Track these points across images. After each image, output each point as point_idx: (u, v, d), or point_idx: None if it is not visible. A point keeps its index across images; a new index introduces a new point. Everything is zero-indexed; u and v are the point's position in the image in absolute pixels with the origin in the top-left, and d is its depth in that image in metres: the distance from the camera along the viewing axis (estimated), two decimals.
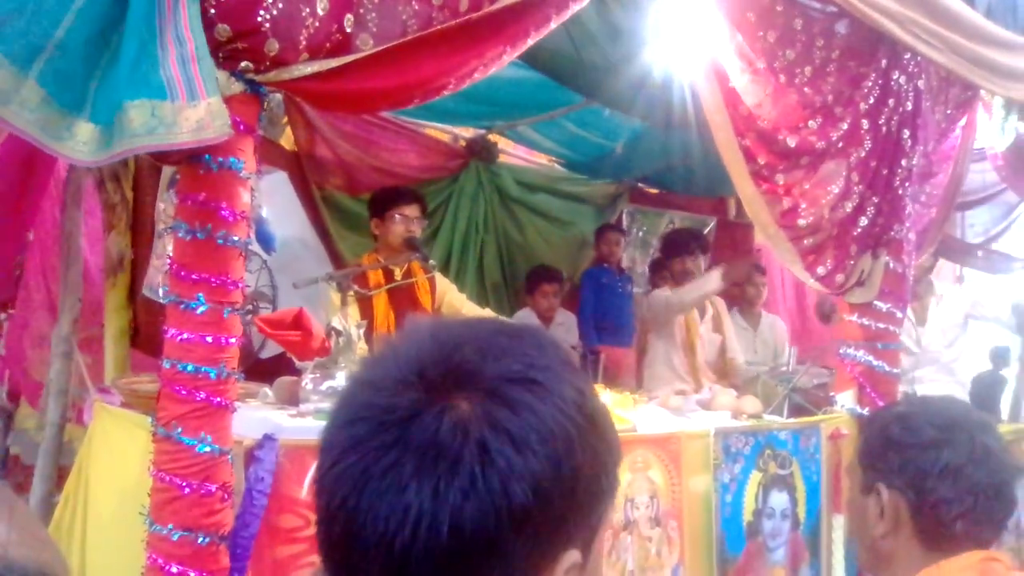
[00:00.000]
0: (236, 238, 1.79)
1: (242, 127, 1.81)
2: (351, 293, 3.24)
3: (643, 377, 4.59)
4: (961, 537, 1.36)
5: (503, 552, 0.64)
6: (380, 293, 3.63)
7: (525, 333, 0.73)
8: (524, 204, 5.33)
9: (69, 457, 3.20)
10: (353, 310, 3.37)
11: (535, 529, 0.65)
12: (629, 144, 4.94)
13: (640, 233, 5.86)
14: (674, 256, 4.51)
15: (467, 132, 5.14)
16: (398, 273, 3.74)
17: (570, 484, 0.66)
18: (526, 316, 4.76)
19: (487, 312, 3.95)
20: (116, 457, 2.40)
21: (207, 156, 1.76)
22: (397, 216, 3.70)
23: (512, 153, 5.37)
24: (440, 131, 5.08)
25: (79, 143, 1.58)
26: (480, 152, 5.05)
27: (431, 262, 3.67)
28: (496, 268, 5.23)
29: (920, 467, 1.39)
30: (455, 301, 3.90)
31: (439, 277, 3.88)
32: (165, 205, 4.12)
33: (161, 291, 3.98)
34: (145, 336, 3.86)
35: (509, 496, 0.63)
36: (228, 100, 1.78)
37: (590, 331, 4.96)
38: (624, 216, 5.75)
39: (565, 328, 4.84)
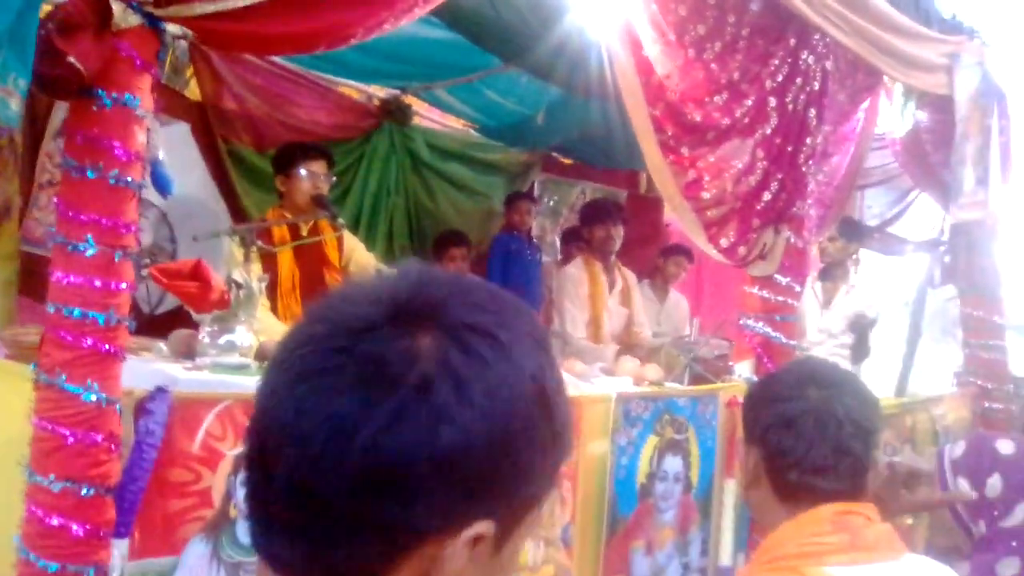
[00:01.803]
0: (129, 179, 1.71)
1: (139, 63, 1.73)
2: (254, 249, 3.17)
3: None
4: (801, 487, 1.42)
5: (409, 492, 0.62)
6: (285, 250, 3.55)
7: (509, 299, 0.72)
8: (436, 171, 5.30)
9: None
10: (256, 267, 3.30)
11: (447, 483, 0.63)
12: (547, 112, 4.94)
13: (551, 203, 5.89)
14: (596, 223, 4.51)
15: (381, 92, 5.06)
16: (304, 230, 3.66)
17: (501, 454, 0.64)
18: None
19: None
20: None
21: (100, 91, 1.68)
22: (303, 172, 3.62)
23: (427, 116, 5.31)
24: (354, 89, 4.98)
25: None
26: (394, 113, 4.99)
27: (339, 220, 3.61)
28: (404, 232, 5.20)
29: (766, 420, 1.47)
30: (363, 260, 3.85)
31: (347, 235, 3.81)
32: (51, 153, 3.94)
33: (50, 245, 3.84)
34: (35, 285, 3.71)
35: (434, 437, 0.62)
36: (124, 33, 1.70)
37: None
38: (536, 185, 5.77)
39: None
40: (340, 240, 3.77)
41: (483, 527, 0.65)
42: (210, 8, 1.80)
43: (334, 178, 3.80)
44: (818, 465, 1.41)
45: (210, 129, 4.35)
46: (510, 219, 5.23)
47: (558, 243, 5.80)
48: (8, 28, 1.57)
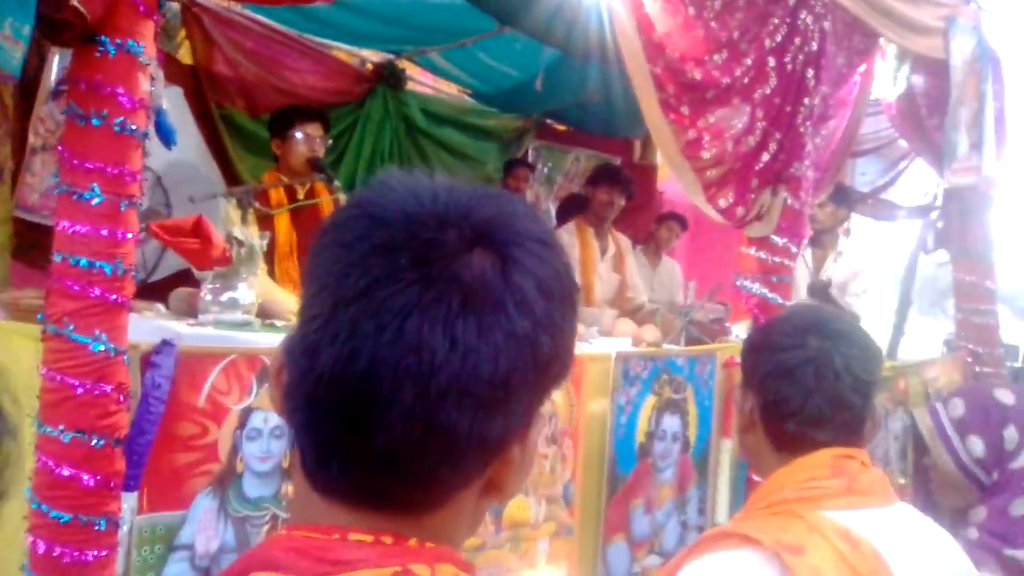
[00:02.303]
0: (134, 127, 1.69)
1: (142, 8, 1.71)
2: (251, 211, 3.15)
3: None
4: (797, 437, 1.42)
5: (514, 403, 0.67)
6: (282, 213, 3.53)
7: (528, 206, 0.76)
8: (430, 136, 5.27)
9: None
10: (253, 229, 3.28)
11: (539, 389, 0.69)
12: (545, 77, 4.91)
13: (545, 169, 5.86)
14: (602, 185, 4.47)
15: (375, 56, 5.02)
16: (300, 192, 3.64)
17: (565, 351, 0.69)
18: None
19: None
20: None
21: (104, 37, 1.66)
22: (299, 135, 3.60)
23: (420, 81, 5.27)
24: (347, 53, 4.94)
25: None
26: (387, 77, 4.95)
27: (335, 183, 3.59)
28: None
29: (765, 368, 1.47)
30: None
31: (343, 198, 3.79)
32: (44, 117, 3.89)
33: (43, 215, 3.81)
34: (28, 249, 3.68)
35: (537, 344, 0.66)
36: None
37: None
38: (530, 152, 5.75)
39: None
40: (336, 203, 3.74)
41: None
42: None
43: (330, 141, 3.78)
44: (815, 416, 1.40)
45: (203, 94, 4.31)
46: (507, 186, 5.22)
47: (552, 210, 5.78)
48: None
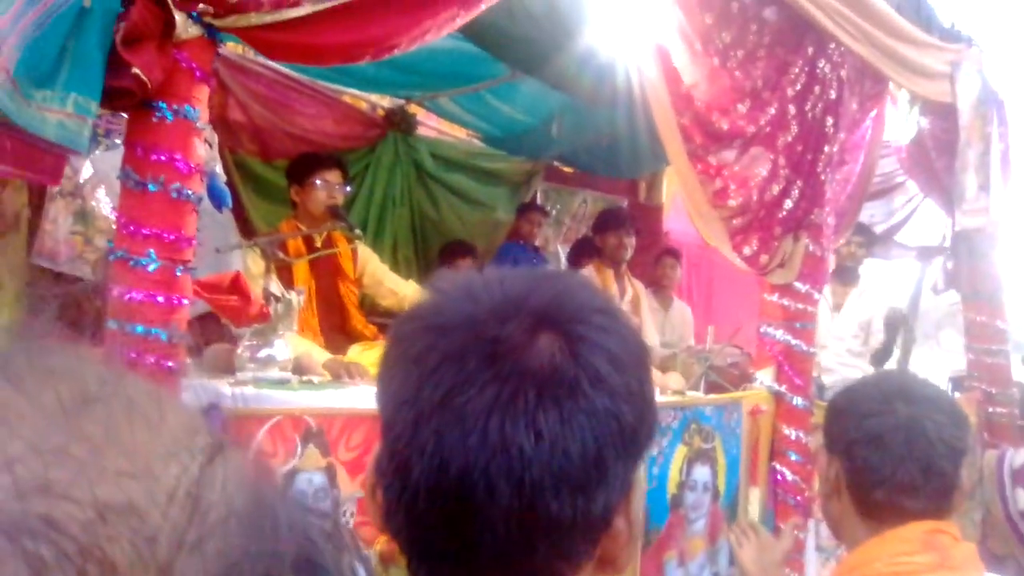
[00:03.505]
0: (190, 192, 1.68)
1: (198, 74, 1.71)
2: (272, 261, 3.13)
3: None
4: (886, 506, 1.39)
5: (608, 478, 0.66)
6: (301, 262, 3.51)
7: (582, 278, 0.77)
8: (440, 181, 5.27)
9: None
10: (274, 279, 3.26)
11: (628, 457, 0.68)
12: (549, 121, 4.93)
13: (554, 211, 5.87)
14: (609, 231, 4.51)
15: (385, 102, 5.03)
16: (318, 241, 3.62)
17: (651, 404, 0.70)
18: None
19: (410, 284, 3.87)
20: None
21: (161, 103, 1.65)
22: (318, 182, 3.58)
23: (429, 124, 5.29)
24: (358, 99, 4.95)
25: None
26: (398, 123, 4.96)
27: (356, 231, 3.57)
28: (409, 242, 5.16)
29: (852, 434, 1.44)
30: (377, 272, 3.82)
31: (360, 246, 3.78)
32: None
33: (64, 262, 3.78)
34: (44, 299, 3.65)
35: (620, 416, 0.66)
36: (184, 44, 1.68)
37: None
38: (538, 194, 5.76)
39: None
40: (354, 251, 3.74)
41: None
42: (267, 19, 1.78)
43: (348, 189, 3.77)
44: (906, 484, 1.37)
45: (217, 140, 4.29)
46: (519, 229, 5.22)
47: (561, 253, 5.78)
48: (62, 46, 1.53)
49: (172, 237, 1.65)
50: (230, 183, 4.39)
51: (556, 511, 0.64)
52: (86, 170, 4.00)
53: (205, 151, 1.74)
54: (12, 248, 3.77)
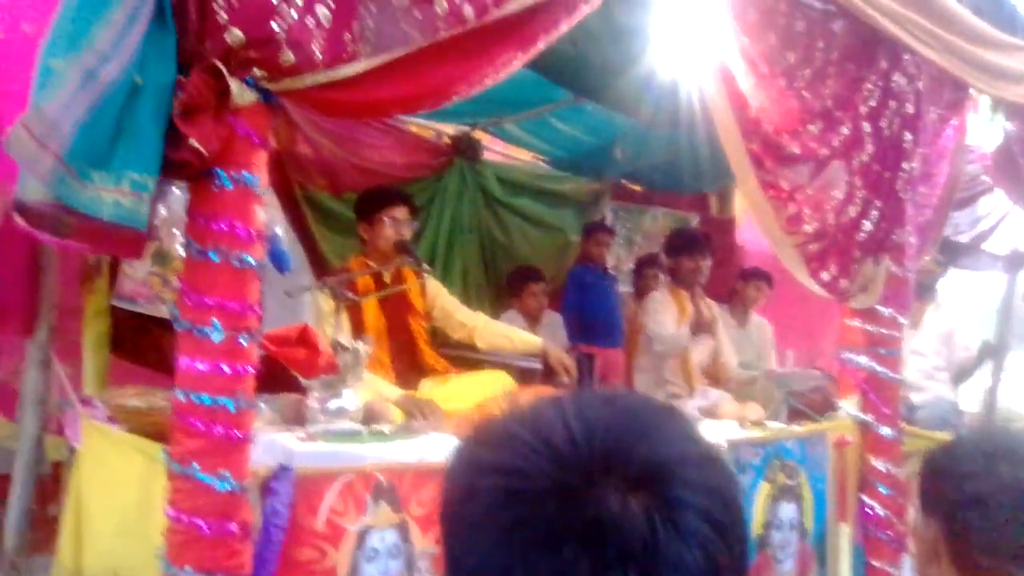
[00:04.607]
0: (251, 259, 1.68)
1: (256, 140, 1.71)
2: (342, 301, 3.15)
3: (633, 379, 4.53)
4: (991, 573, 1.31)
5: None
6: (371, 299, 3.52)
7: (667, 409, 0.71)
8: (507, 205, 5.24)
9: (45, 467, 3.08)
10: (345, 318, 3.27)
11: None
12: (613, 141, 4.87)
13: (624, 230, 5.79)
14: (684, 254, 4.40)
15: (450, 129, 5.03)
16: (387, 277, 3.63)
17: (745, 547, 0.68)
18: (512, 318, 4.67)
19: (479, 317, 3.85)
20: (113, 482, 2.29)
21: (220, 171, 1.65)
22: (386, 219, 3.58)
23: (495, 149, 5.27)
24: (423, 128, 4.96)
25: None
26: (465, 150, 4.95)
27: (424, 266, 3.57)
28: (479, 269, 5.14)
29: (954, 497, 1.36)
30: (448, 305, 3.81)
31: (429, 279, 3.77)
32: None
33: (142, 303, 3.87)
34: (125, 343, 3.73)
35: (718, 569, 0.63)
36: (240, 111, 1.68)
37: (575, 331, 4.90)
38: (607, 214, 5.68)
39: (552, 329, 4.76)
40: (423, 286, 3.73)
41: None
42: (322, 78, 1.77)
43: (415, 224, 3.77)
44: (1013, 551, 1.30)
45: (286, 176, 4.35)
46: (587, 250, 5.16)
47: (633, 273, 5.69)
48: (116, 124, 1.53)
49: (236, 306, 1.65)
50: (300, 217, 4.45)
51: None
52: (161, 211, 4.09)
53: (265, 215, 1.74)
54: (98, 292, 3.88)
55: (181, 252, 4.13)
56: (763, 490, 2.79)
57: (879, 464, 3.13)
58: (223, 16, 1.62)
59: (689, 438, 0.67)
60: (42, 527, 3.11)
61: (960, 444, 1.48)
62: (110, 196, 1.47)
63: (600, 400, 0.69)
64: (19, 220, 1.53)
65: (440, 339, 4.01)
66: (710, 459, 0.67)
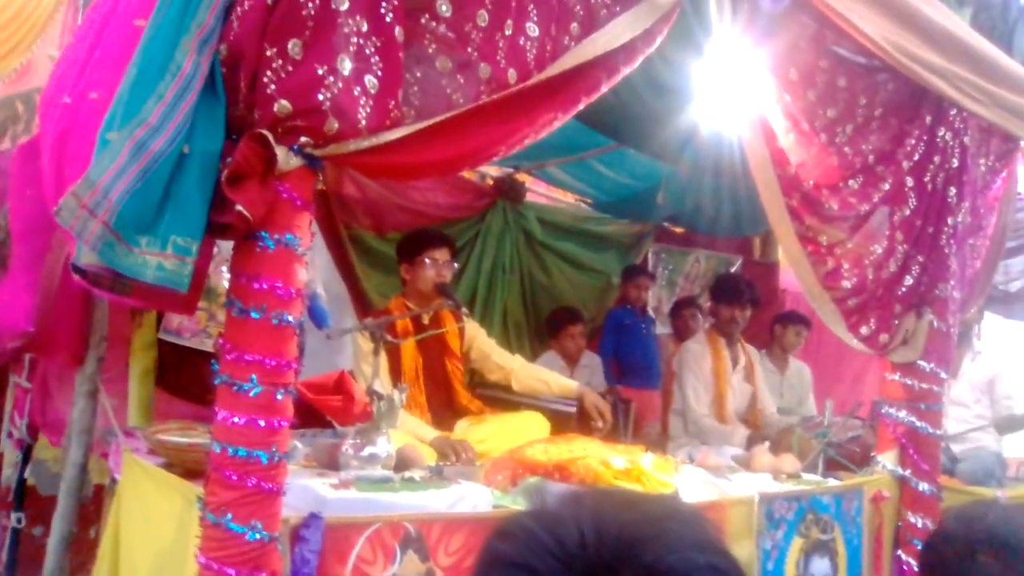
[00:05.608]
0: (291, 318, 1.74)
1: (299, 203, 1.77)
2: (381, 343, 3.20)
3: (670, 422, 4.52)
4: None
5: None
6: (409, 341, 3.57)
7: (683, 510, 0.72)
8: (549, 247, 5.29)
9: (88, 489, 3.18)
10: (383, 358, 3.33)
11: None
12: (657, 186, 4.89)
13: (666, 272, 5.79)
14: (723, 303, 4.39)
15: (494, 170, 5.10)
16: (426, 319, 3.69)
17: None
18: (551, 359, 4.70)
19: (516, 359, 3.88)
20: (150, 518, 2.36)
21: (263, 233, 1.72)
22: (427, 260, 3.65)
23: (537, 191, 5.33)
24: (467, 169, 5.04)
25: None
26: (507, 191, 5.01)
27: (463, 309, 3.62)
28: (519, 309, 5.18)
29: None
30: (484, 347, 3.85)
31: (468, 321, 3.83)
32: None
33: (188, 337, 3.97)
34: (170, 376, 3.83)
35: None
36: (285, 176, 1.74)
37: (612, 372, 4.92)
38: (649, 256, 5.70)
39: (590, 370, 4.78)
40: (461, 329, 3.78)
41: None
42: (364, 144, 1.83)
43: (456, 266, 3.83)
44: None
45: (332, 215, 4.45)
46: (626, 293, 5.17)
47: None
48: (164, 191, 1.60)
49: (273, 363, 1.71)
50: (344, 255, 4.54)
51: None
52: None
53: (306, 273, 1.80)
54: (146, 325, 3.99)
55: (226, 286, 4.26)
56: (796, 545, 2.77)
57: (916, 520, 3.09)
58: (272, 87, 1.69)
59: (702, 547, 0.68)
60: (81, 550, 3.20)
61: (949, 522, 1.47)
62: (154, 259, 1.54)
63: (623, 502, 0.70)
64: (78, 278, 1.61)
65: (477, 379, 4.05)
66: (717, 569, 0.67)
